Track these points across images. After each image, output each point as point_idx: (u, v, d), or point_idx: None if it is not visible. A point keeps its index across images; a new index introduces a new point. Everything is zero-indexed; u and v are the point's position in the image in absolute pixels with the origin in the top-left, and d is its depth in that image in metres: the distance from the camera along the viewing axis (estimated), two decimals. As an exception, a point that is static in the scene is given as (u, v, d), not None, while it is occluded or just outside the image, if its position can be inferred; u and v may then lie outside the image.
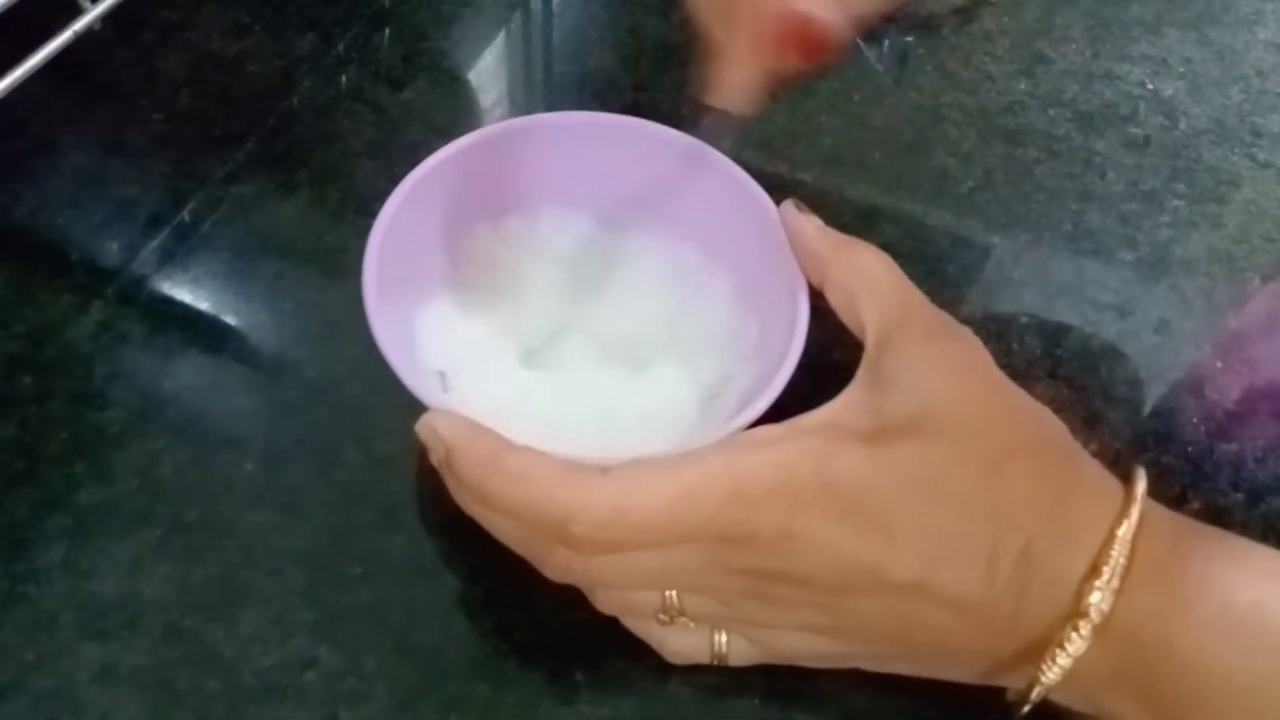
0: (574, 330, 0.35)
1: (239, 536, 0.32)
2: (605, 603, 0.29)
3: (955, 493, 0.26)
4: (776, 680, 0.30)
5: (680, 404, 0.33)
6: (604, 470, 0.26)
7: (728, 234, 0.35)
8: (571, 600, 0.30)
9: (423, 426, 0.28)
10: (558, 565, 0.28)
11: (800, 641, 0.29)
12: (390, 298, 0.31)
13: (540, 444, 0.27)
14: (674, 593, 0.28)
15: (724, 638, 0.29)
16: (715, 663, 0.30)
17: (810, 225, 0.32)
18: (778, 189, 0.34)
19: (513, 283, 0.36)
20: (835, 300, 0.31)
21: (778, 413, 0.29)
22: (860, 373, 0.29)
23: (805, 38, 0.29)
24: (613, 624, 0.30)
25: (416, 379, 0.29)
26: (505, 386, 0.33)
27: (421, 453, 0.34)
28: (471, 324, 0.34)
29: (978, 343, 0.29)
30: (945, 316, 0.30)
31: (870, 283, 0.30)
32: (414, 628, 0.31)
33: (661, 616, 0.28)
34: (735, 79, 0.30)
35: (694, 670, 0.30)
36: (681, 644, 0.29)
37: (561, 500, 0.26)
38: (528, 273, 0.36)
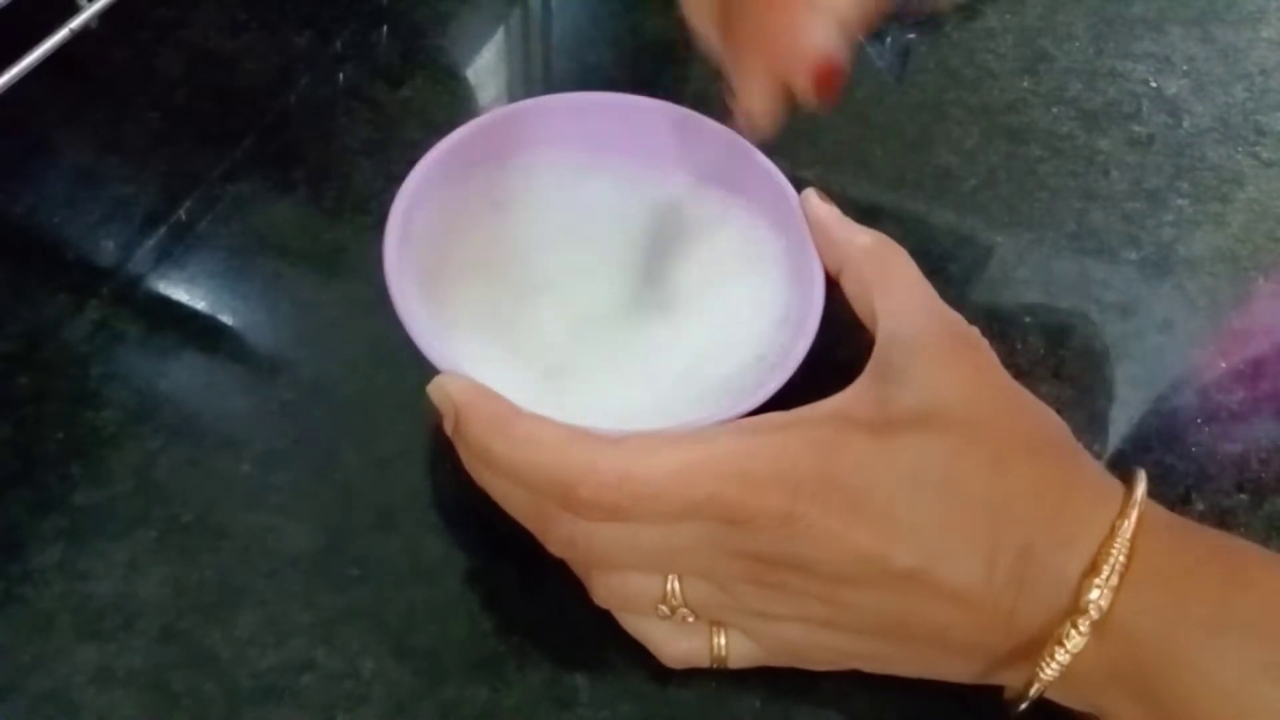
0: (586, 322, 0.35)
1: (236, 538, 0.32)
2: (604, 593, 0.29)
3: (958, 487, 0.26)
4: (777, 682, 0.30)
5: (690, 387, 0.33)
6: (613, 440, 0.27)
7: (747, 221, 0.35)
8: (571, 602, 0.30)
9: (434, 388, 0.28)
10: (561, 534, 0.28)
11: (800, 635, 0.28)
12: (408, 275, 0.31)
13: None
14: (675, 583, 0.28)
15: (723, 639, 0.29)
16: (714, 665, 0.29)
17: (832, 213, 0.33)
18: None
19: (521, 273, 0.36)
20: (849, 288, 0.31)
21: (784, 406, 0.29)
22: (870, 365, 0.29)
23: (821, 74, 0.30)
24: (612, 627, 0.30)
25: (432, 344, 0.29)
26: (511, 382, 0.33)
27: (431, 441, 0.34)
28: (483, 322, 0.34)
29: (984, 342, 0.30)
30: (955, 314, 0.30)
31: (886, 275, 0.31)
32: (412, 630, 0.31)
33: (662, 608, 0.28)
34: (753, 105, 0.31)
35: (694, 673, 0.30)
36: (681, 646, 0.29)
37: (569, 463, 0.26)
38: (538, 265, 0.36)
